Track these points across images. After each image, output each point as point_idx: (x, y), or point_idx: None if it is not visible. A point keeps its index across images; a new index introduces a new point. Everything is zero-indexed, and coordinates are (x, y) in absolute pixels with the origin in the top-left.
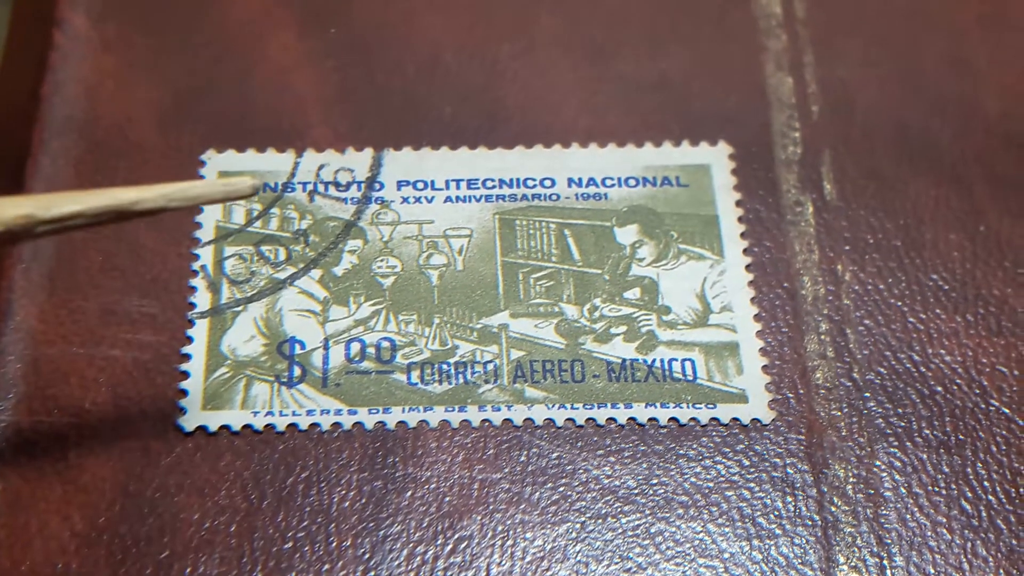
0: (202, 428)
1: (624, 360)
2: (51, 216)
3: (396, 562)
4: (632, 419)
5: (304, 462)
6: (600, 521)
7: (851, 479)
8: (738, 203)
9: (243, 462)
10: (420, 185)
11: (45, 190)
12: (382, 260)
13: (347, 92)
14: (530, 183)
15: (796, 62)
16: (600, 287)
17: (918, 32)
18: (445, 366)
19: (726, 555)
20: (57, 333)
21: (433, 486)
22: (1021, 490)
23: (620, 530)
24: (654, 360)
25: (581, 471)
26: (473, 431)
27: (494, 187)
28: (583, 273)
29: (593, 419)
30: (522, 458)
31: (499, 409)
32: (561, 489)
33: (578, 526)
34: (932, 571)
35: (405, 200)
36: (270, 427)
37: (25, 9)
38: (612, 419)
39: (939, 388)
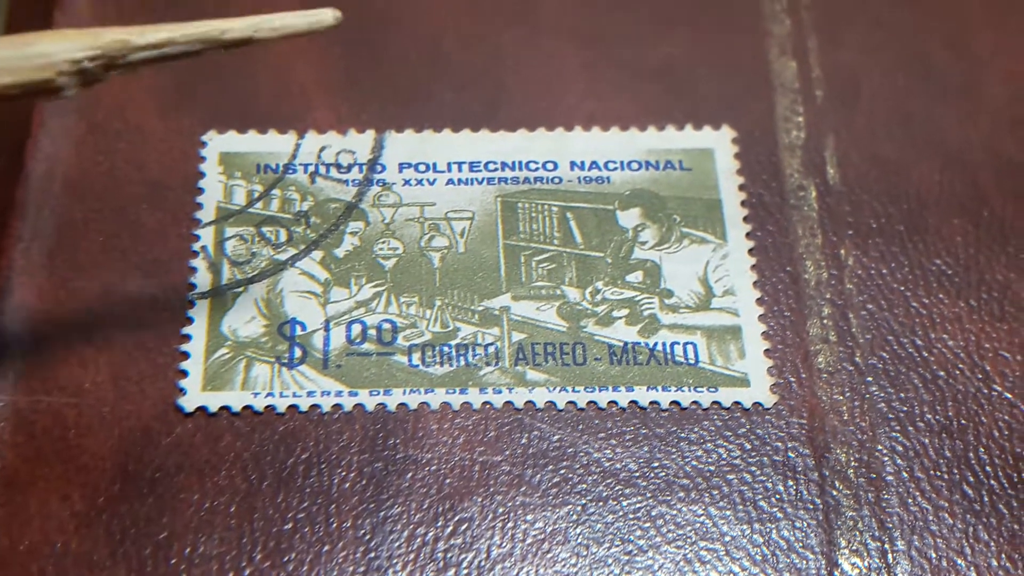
0: (202, 409)
1: (626, 343)
2: (145, 43)
3: (396, 543)
4: (634, 402)
5: (304, 443)
6: (601, 504)
7: (853, 463)
8: (741, 187)
9: (243, 443)
10: (422, 167)
11: (45, 170)
12: (383, 242)
13: (349, 74)
14: (532, 166)
15: (800, 47)
16: (602, 270)
17: (922, 17)
18: (446, 348)
19: (727, 538)
20: (57, 313)
21: (434, 468)
22: (1023, 475)
23: (621, 513)
24: (656, 343)
25: (582, 454)
26: (474, 413)
27: (496, 170)
28: (585, 256)
29: (594, 402)
30: (523, 440)
31: (500, 391)
32: (562, 472)
33: (579, 508)
34: (934, 555)
35: (407, 182)
36: (270, 408)
37: None
38: (614, 402)
39: (941, 373)
